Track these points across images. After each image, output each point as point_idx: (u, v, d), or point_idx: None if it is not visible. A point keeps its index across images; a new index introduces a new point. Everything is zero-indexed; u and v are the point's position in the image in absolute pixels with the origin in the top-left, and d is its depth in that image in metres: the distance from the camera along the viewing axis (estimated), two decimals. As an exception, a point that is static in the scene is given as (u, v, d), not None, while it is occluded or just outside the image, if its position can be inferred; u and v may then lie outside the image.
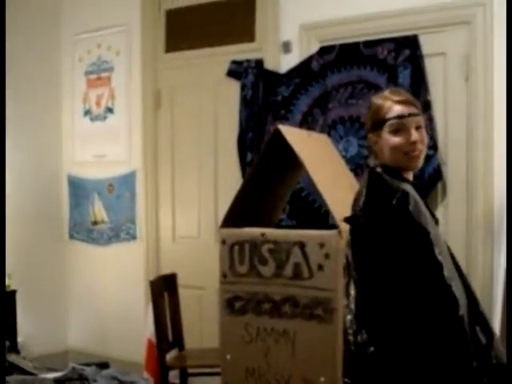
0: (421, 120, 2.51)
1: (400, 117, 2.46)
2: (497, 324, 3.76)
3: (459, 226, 4.22)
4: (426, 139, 2.52)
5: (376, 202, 2.32)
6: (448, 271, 2.25)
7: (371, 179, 2.39)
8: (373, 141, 2.52)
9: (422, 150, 2.48)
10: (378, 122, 2.48)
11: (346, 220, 2.42)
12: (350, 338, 2.43)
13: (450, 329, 2.21)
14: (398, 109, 2.46)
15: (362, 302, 2.36)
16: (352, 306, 2.44)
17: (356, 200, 2.45)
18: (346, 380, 2.47)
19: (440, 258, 2.24)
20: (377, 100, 2.55)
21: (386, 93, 2.57)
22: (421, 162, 2.51)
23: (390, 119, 2.46)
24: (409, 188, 2.38)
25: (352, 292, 2.44)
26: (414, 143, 2.44)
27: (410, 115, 2.46)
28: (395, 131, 2.45)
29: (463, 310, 2.24)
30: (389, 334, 2.26)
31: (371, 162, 2.58)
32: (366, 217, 2.31)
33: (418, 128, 2.46)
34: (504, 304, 3.70)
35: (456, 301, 2.22)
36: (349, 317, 2.44)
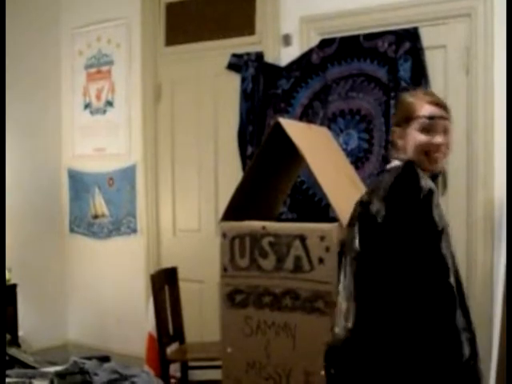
0: (450, 125, 2.53)
1: (431, 117, 2.48)
2: (497, 321, 3.77)
3: (459, 221, 4.21)
4: (451, 145, 2.54)
5: (403, 193, 2.31)
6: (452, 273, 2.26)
7: (406, 169, 2.37)
8: (397, 135, 2.53)
9: (445, 154, 2.50)
10: (408, 117, 2.50)
11: (361, 204, 2.40)
12: (339, 326, 2.40)
13: (443, 327, 2.21)
14: (430, 109, 2.49)
15: (357, 287, 2.35)
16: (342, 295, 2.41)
17: (376, 186, 2.42)
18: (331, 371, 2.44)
19: (449, 262, 2.25)
20: (409, 97, 2.58)
21: (420, 92, 2.62)
22: (439, 167, 2.53)
23: (420, 117, 2.48)
24: (434, 186, 2.37)
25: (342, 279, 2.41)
26: (439, 145, 2.46)
27: (441, 117, 2.48)
28: (423, 130, 2.46)
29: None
30: (381, 326, 2.25)
31: (393, 155, 2.57)
32: (388, 203, 2.29)
33: (445, 132, 2.49)
34: (504, 300, 3.70)
35: (455, 306, 2.23)
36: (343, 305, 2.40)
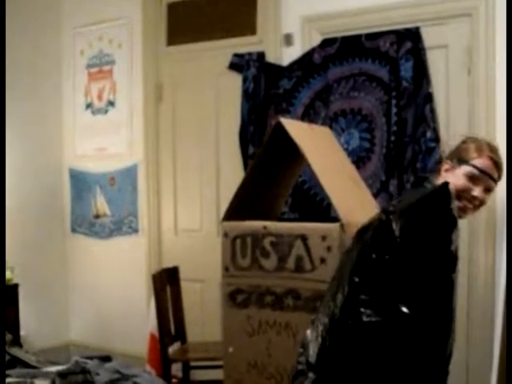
0: (494, 187, 2.59)
1: (483, 171, 2.57)
2: (499, 322, 3.77)
3: (461, 223, 4.18)
4: (484, 205, 2.62)
5: (433, 209, 2.18)
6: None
7: (442, 188, 2.22)
8: (446, 168, 2.63)
9: (475, 209, 2.55)
10: (463, 159, 2.58)
11: (385, 212, 2.28)
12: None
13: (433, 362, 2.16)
14: (486, 163, 2.54)
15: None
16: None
17: (405, 200, 2.34)
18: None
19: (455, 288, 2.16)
20: (474, 142, 2.67)
21: (486, 143, 2.69)
22: (463, 217, 2.56)
23: (473, 166, 2.56)
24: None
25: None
26: (475, 198, 2.51)
27: (490, 177, 2.53)
28: (469, 177, 2.51)
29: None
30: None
31: (432, 180, 2.60)
32: (412, 217, 2.22)
33: (486, 190, 2.54)
34: (505, 304, 3.70)
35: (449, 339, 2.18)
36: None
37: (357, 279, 2.14)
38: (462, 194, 2.52)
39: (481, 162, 2.57)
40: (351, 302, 2.14)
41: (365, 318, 2.08)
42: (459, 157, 2.60)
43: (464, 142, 2.71)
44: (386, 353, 2.09)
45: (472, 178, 2.55)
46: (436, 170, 2.69)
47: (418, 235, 2.13)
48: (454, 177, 2.54)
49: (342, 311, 2.16)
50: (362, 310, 2.09)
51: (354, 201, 3.55)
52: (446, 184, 2.19)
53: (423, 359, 2.11)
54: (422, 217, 2.16)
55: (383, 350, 2.08)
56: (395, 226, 2.13)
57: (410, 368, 2.10)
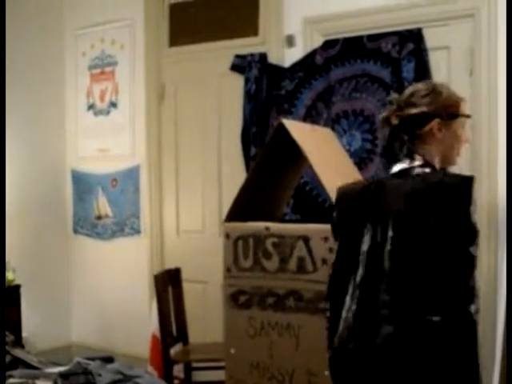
0: None
1: (469, 116, 2.55)
2: (500, 323, 3.77)
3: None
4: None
5: (456, 211, 2.22)
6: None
7: (467, 187, 2.23)
8: (437, 128, 2.43)
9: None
10: (453, 113, 2.45)
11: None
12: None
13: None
14: (465, 106, 2.51)
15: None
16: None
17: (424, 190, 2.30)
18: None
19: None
20: (447, 90, 2.50)
21: (447, 87, 2.53)
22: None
23: (465, 115, 2.50)
24: None
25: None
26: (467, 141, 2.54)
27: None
28: (463, 127, 2.49)
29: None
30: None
31: (417, 149, 2.45)
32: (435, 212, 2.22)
33: None
34: (507, 304, 3.70)
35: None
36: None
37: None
38: (463, 146, 2.50)
39: (464, 107, 2.49)
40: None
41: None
42: (448, 111, 2.43)
43: (438, 93, 2.48)
44: None
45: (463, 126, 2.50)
46: (417, 135, 2.44)
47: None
48: (453, 133, 2.44)
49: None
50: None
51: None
52: (471, 179, 2.21)
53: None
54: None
55: None
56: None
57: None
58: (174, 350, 4.66)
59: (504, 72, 4.02)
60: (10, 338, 3.98)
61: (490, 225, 4.13)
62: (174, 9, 5.59)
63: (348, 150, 4.43)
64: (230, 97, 5.18)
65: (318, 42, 4.72)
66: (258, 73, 4.93)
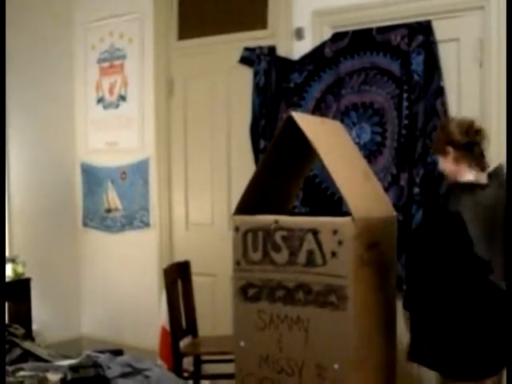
0: None
1: None
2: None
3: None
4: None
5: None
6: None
7: None
8: (454, 157, 3.33)
9: None
10: (462, 143, 3.32)
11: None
12: None
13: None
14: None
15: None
16: None
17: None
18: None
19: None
20: (454, 123, 3.38)
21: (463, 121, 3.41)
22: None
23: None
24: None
25: None
26: None
27: None
28: None
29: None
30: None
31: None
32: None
33: None
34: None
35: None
36: None
37: None
38: None
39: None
40: None
41: None
42: (457, 143, 3.24)
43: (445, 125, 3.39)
44: None
45: None
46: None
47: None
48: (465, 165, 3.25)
49: None
50: None
51: (365, 195, 3.55)
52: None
53: None
54: None
55: None
56: None
57: None
58: (184, 343, 4.67)
59: (514, 64, 4.00)
60: (20, 331, 3.99)
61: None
62: (182, 2, 5.58)
63: (357, 143, 4.42)
64: (239, 90, 5.18)
65: (327, 34, 4.71)
66: (267, 66, 4.92)
